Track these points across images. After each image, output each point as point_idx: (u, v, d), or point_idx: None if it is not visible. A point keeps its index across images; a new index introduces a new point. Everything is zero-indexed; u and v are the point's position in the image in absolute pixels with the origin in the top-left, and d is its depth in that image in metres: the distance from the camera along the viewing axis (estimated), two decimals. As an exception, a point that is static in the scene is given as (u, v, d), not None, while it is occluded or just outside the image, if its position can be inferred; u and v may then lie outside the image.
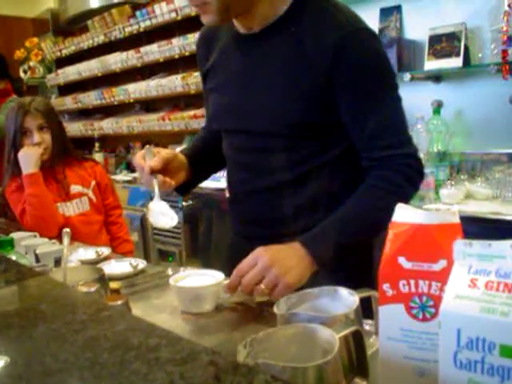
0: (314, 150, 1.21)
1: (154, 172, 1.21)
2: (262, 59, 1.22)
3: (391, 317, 0.67)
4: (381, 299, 0.67)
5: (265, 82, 1.20)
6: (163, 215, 1.24)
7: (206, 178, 1.51)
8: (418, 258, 0.64)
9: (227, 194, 1.47)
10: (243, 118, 1.25)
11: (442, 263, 0.63)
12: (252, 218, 1.33)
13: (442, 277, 0.62)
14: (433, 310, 0.64)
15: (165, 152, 1.26)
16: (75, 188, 2.19)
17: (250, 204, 1.32)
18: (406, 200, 1.15)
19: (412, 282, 0.65)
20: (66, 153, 2.21)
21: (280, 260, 1.05)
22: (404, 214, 0.67)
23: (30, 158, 2.05)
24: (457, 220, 0.66)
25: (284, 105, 1.16)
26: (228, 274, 1.12)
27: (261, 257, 1.04)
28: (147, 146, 1.26)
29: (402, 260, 0.65)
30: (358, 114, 1.15)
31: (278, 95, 1.18)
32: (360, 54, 1.11)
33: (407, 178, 1.16)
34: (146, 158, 1.25)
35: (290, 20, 1.17)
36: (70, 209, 2.16)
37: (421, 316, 0.65)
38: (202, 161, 1.42)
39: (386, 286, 0.66)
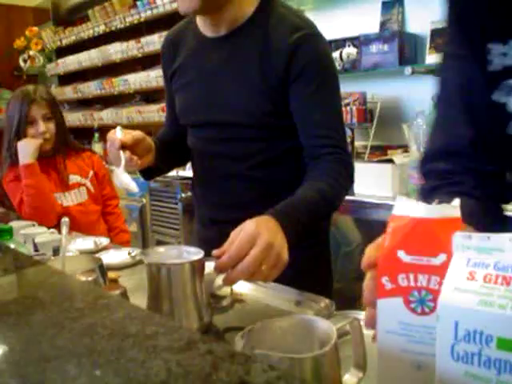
0: (277, 138, 1.32)
1: (123, 147, 1.24)
2: (231, 58, 1.32)
3: (390, 310, 0.67)
4: (379, 292, 0.67)
5: (234, 79, 1.31)
6: (128, 181, 1.30)
7: (169, 169, 1.60)
8: (417, 251, 0.64)
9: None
10: (214, 111, 1.35)
11: (442, 257, 0.63)
12: (218, 203, 1.43)
13: (442, 271, 0.62)
14: (431, 304, 0.64)
15: (136, 132, 1.30)
16: (74, 178, 2.19)
17: (217, 189, 1.42)
18: (347, 190, 1.29)
19: (411, 275, 0.64)
20: (66, 143, 2.21)
21: (277, 238, 0.99)
22: (404, 208, 0.67)
23: (28, 148, 2.04)
24: (458, 214, 0.65)
25: (251, 98, 1.28)
26: None
27: (259, 235, 0.96)
28: (119, 126, 1.29)
29: (401, 254, 0.65)
30: (305, 110, 1.27)
31: (247, 89, 1.29)
32: (313, 54, 1.24)
33: (347, 171, 1.29)
34: (117, 135, 1.27)
35: (255, 23, 1.30)
36: (69, 199, 2.16)
37: (419, 310, 0.65)
38: (168, 152, 1.48)
39: (384, 280, 0.66)
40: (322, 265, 1.48)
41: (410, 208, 0.67)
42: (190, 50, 1.40)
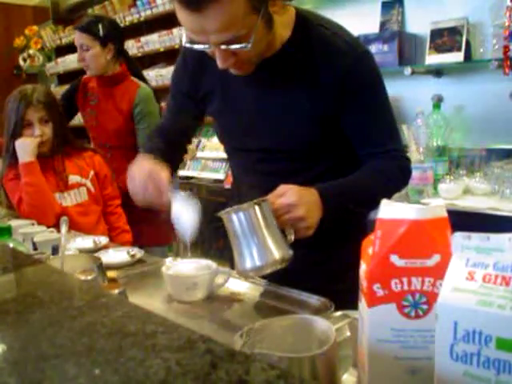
0: (327, 152, 1.32)
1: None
2: (273, 84, 1.28)
3: (382, 318, 0.66)
4: (370, 301, 0.66)
5: (281, 105, 1.28)
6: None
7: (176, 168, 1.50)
8: (411, 254, 0.63)
9: (226, 186, 1.50)
10: (260, 138, 1.32)
11: (436, 258, 0.62)
12: None
13: (435, 272, 0.62)
14: (425, 307, 0.64)
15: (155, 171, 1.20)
16: (73, 178, 2.18)
17: None
18: (399, 188, 1.36)
19: (405, 279, 0.64)
20: (66, 144, 2.20)
21: (311, 214, 1.13)
22: (390, 211, 0.66)
23: (27, 146, 2.04)
24: (445, 214, 0.65)
25: (302, 124, 1.27)
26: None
27: (297, 206, 1.11)
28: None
29: (394, 258, 0.64)
30: (362, 125, 1.29)
31: (296, 116, 1.27)
32: (365, 75, 1.26)
33: (401, 169, 1.34)
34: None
35: (295, 46, 1.24)
36: (68, 199, 2.15)
37: (413, 314, 0.64)
38: (171, 158, 1.36)
39: (376, 287, 0.65)
40: None
41: (397, 210, 0.66)
42: (222, 72, 1.24)
